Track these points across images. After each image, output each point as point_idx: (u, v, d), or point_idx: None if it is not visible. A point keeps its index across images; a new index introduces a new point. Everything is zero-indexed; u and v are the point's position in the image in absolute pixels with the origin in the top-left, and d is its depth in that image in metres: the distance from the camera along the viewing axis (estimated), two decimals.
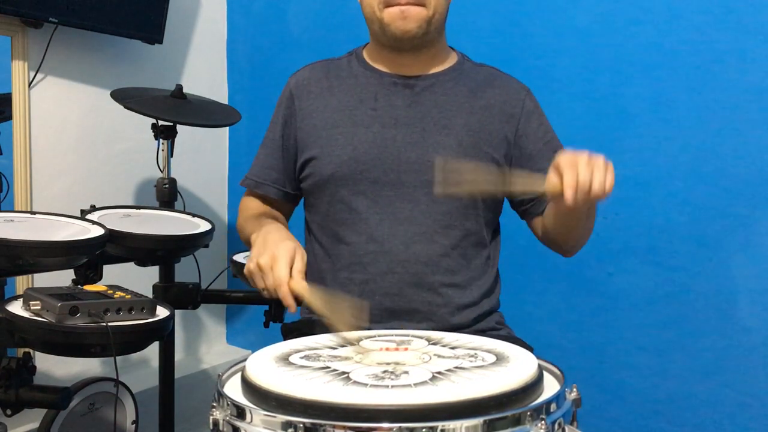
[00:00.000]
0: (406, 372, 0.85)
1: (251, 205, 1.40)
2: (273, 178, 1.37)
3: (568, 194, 0.98)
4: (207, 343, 2.73)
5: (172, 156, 2.04)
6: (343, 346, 1.00)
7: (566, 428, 0.82)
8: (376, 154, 1.25)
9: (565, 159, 1.00)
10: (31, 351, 1.41)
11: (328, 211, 1.29)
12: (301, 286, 1.06)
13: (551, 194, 1.02)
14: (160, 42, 2.28)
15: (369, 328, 1.18)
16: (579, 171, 0.98)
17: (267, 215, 1.35)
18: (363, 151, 1.26)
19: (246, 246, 1.34)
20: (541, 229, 1.34)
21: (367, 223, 1.26)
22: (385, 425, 0.73)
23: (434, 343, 1.00)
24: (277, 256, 1.07)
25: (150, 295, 1.75)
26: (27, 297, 1.21)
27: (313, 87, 1.33)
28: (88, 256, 1.40)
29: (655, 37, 1.78)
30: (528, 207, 1.34)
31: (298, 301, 1.08)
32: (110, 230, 1.45)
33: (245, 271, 1.12)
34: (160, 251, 1.66)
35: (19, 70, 2.03)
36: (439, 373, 0.84)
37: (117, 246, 1.52)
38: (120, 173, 2.33)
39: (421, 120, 1.27)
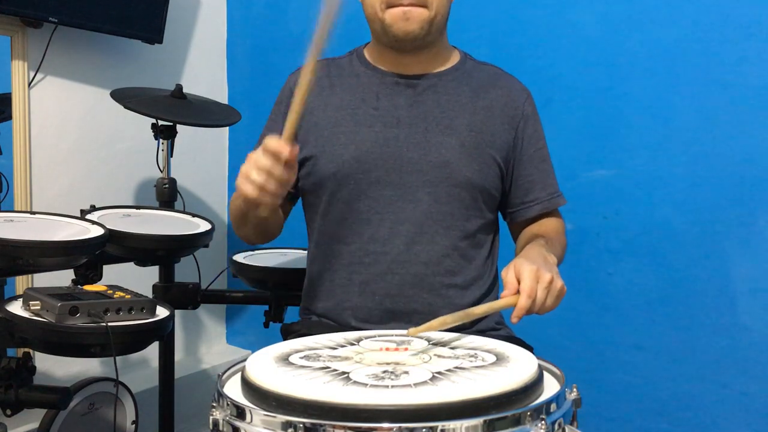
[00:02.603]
0: (406, 372, 0.85)
1: None
2: None
3: (514, 320, 1.03)
4: (207, 343, 2.73)
5: (172, 156, 2.04)
6: (343, 346, 1.00)
7: (566, 428, 0.82)
8: (378, 153, 1.25)
9: (526, 280, 1.04)
10: (31, 351, 1.41)
11: (328, 211, 1.29)
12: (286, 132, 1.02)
13: (502, 308, 1.08)
14: (160, 42, 2.28)
15: (369, 329, 1.18)
16: (536, 298, 1.03)
17: None
18: (365, 150, 1.25)
19: (238, 222, 1.31)
20: (516, 241, 1.38)
21: (368, 223, 1.26)
22: (385, 425, 0.73)
23: (434, 343, 1.00)
24: (249, 156, 1.05)
25: (150, 295, 1.75)
26: (27, 297, 1.21)
27: (314, 85, 1.33)
28: (88, 256, 1.40)
29: (654, 37, 1.78)
30: (514, 211, 1.36)
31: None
32: (110, 230, 1.44)
33: (236, 180, 1.06)
34: (160, 251, 1.65)
35: (18, 69, 2.03)
36: (439, 373, 0.84)
37: (117, 246, 1.52)
38: (120, 173, 2.33)
39: (424, 120, 1.27)
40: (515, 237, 1.39)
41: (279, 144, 1.02)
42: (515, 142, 1.32)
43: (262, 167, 1.02)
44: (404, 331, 1.09)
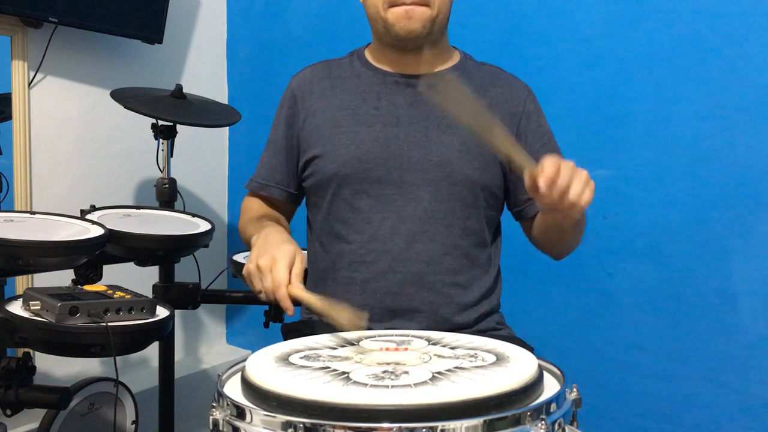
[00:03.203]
0: (406, 372, 0.85)
1: (253, 206, 1.40)
2: (277, 179, 1.37)
3: (542, 184, 0.96)
4: (207, 343, 2.73)
5: (172, 156, 2.04)
6: (343, 346, 1.00)
7: (566, 428, 0.82)
8: (379, 153, 1.25)
9: (551, 158, 0.99)
10: (31, 351, 1.41)
11: (330, 210, 1.29)
12: (299, 289, 1.06)
13: (529, 178, 1.00)
14: (160, 42, 2.28)
15: (369, 328, 1.18)
16: (561, 171, 0.98)
17: (268, 217, 1.35)
18: (366, 150, 1.26)
19: (247, 247, 1.34)
20: (531, 233, 1.35)
21: (369, 222, 1.26)
22: (385, 425, 0.73)
23: (434, 343, 1.00)
24: (276, 259, 1.07)
25: (150, 295, 1.75)
26: (27, 297, 1.21)
27: (315, 87, 1.33)
28: (88, 256, 1.40)
29: (655, 37, 1.78)
30: (522, 208, 1.35)
31: (296, 303, 1.07)
32: (110, 230, 1.44)
33: (244, 271, 1.12)
34: (160, 251, 1.65)
35: (18, 69, 2.03)
36: (439, 373, 0.84)
37: (117, 246, 1.52)
38: (120, 173, 2.33)
39: (424, 119, 1.27)
40: (528, 232, 1.37)
41: (288, 305, 1.05)
42: (518, 139, 1.31)
43: (267, 290, 1.07)
44: (404, 331, 1.09)
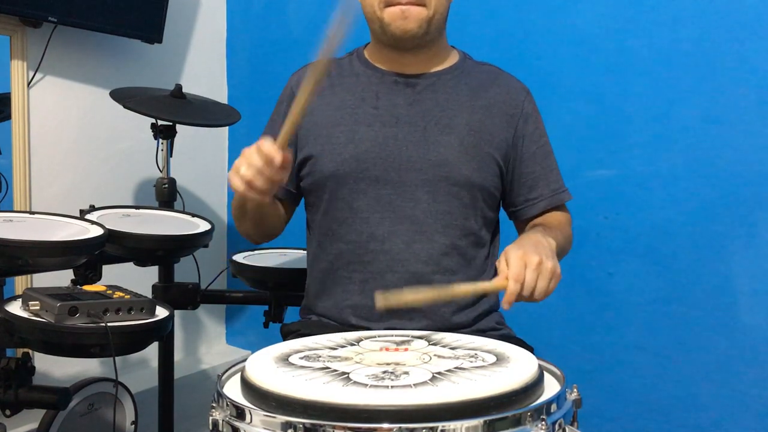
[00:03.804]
0: (406, 372, 0.85)
1: None
2: None
3: (505, 305, 1.02)
4: (207, 344, 2.73)
5: (171, 156, 2.04)
6: (343, 346, 1.00)
7: (567, 429, 0.82)
8: (377, 152, 1.25)
9: (514, 264, 1.03)
10: (30, 351, 1.41)
11: (328, 210, 1.29)
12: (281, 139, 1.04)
13: (494, 291, 1.09)
14: (160, 41, 2.28)
15: (369, 328, 1.18)
16: (525, 280, 1.02)
17: None
18: (364, 149, 1.25)
19: (239, 219, 1.32)
20: None
21: (367, 222, 1.26)
22: (385, 426, 0.73)
23: (434, 344, 1.00)
24: (250, 148, 1.06)
25: (149, 295, 1.75)
26: (26, 297, 1.21)
27: (316, 91, 1.33)
28: (88, 256, 1.40)
29: (655, 37, 1.78)
30: (518, 209, 1.35)
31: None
32: (109, 230, 1.44)
33: (229, 175, 1.08)
34: (159, 251, 1.65)
35: (18, 69, 2.03)
36: (439, 373, 0.84)
37: (116, 246, 1.52)
38: (119, 173, 2.33)
39: (423, 119, 1.27)
40: (521, 233, 1.37)
41: (272, 149, 1.03)
42: (515, 140, 1.31)
43: (253, 164, 1.04)
44: (404, 331, 1.09)
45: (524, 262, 1.03)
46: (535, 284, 1.03)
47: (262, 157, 1.03)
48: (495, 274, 1.36)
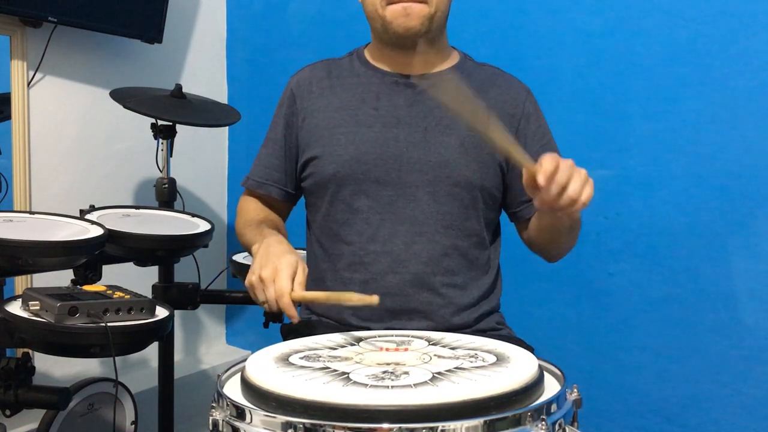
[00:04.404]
0: (406, 372, 0.85)
1: (251, 207, 1.40)
2: (275, 178, 1.37)
3: (541, 180, 0.96)
4: (207, 344, 2.73)
5: (171, 156, 2.04)
6: (343, 346, 1.00)
7: (567, 429, 0.82)
8: (378, 153, 1.25)
9: (550, 155, 0.99)
10: (30, 351, 1.41)
11: (329, 211, 1.29)
12: (301, 296, 1.06)
13: (527, 175, 0.99)
14: (160, 41, 2.28)
15: (369, 328, 1.18)
16: (560, 167, 0.97)
17: (268, 223, 1.33)
18: (365, 150, 1.25)
19: (245, 249, 1.34)
20: (526, 235, 1.35)
21: (368, 223, 1.26)
22: (385, 426, 0.73)
23: (434, 344, 1.00)
24: (279, 269, 1.07)
25: (149, 295, 1.75)
26: (26, 297, 1.21)
27: (314, 87, 1.33)
28: (88, 256, 1.40)
29: (655, 37, 1.78)
30: (519, 210, 1.35)
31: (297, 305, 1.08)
32: (109, 230, 1.44)
33: (246, 283, 1.12)
34: (159, 251, 1.65)
35: (18, 69, 2.03)
36: (439, 373, 0.84)
37: (116, 246, 1.52)
38: (119, 173, 2.33)
39: (423, 119, 1.27)
40: (522, 234, 1.37)
41: (293, 312, 1.06)
42: (517, 141, 1.31)
43: (270, 300, 1.06)
44: (404, 332, 1.09)
45: (559, 159, 0.98)
46: (570, 178, 0.97)
47: (279, 306, 1.06)
48: (497, 276, 1.36)
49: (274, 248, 1.13)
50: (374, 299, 1.03)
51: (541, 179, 0.96)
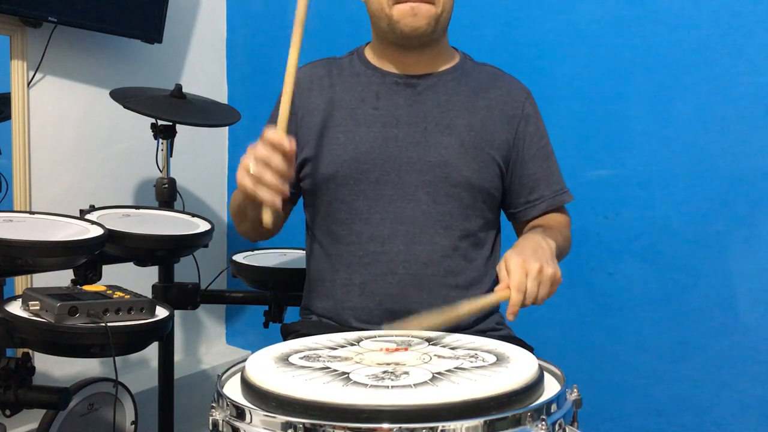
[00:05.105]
0: (406, 372, 0.85)
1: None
2: None
3: (510, 317, 1.04)
4: (206, 344, 2.73)
5: (171, 156, 2.04)
6: (343, 346, 1.00)
7: (567, 429, 0.82)
8: (378, 153, 1.25)
9: (515, 274, 1.04)
10: (30, 351, 1.41)
11: (328, 211, 1.29)
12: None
13: (496, 303, 1.09)
14: (160, 41, 2.28)
15: (369, 329, 1.18)
16: (527, 289, 1.04)
17: None
18: (364, 150, 1.25)
19: (237, 217, 1.31)
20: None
21: (367, 223, 1.25)
22: (386, 426, 0.73)
23: (434, 344, 1.00)
24: (254, 145, 1.05)
25: (149, 295, 1.75)
26: (26, 297, 1.21)
27: (314, 85, 1.33)
28: (87, 256, 1.40)
29: (655, 37, 1.78)
30: (518, 211, 1.35)
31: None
32: (109, 230, 1.44)
33: (237, 175, 1.08)
34: (159, 251, 1.65)
35: (18, 69, 2.03)
36: (439, 373, 0.84)
37: (116, 246, 1.52)
38: (119, 173, 2.33)
39: (423, 119, 1.27)
40: (520, 235, 1.37)
41: (278, 135, 1.03)
42: (516, 141, 1.31)
43: (261, 158, 1.04)
44: (405, 332, 1.09)
45: (525, 271, 1.04)
46: (537, 292, 1.05)
47: (268, 147, 1.03)
48: (496, 276, 1.36)
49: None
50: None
51: (510, 318, 1.04)
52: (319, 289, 1.31)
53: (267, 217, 1.07)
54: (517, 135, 1.31)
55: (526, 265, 1.04)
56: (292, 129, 1.34)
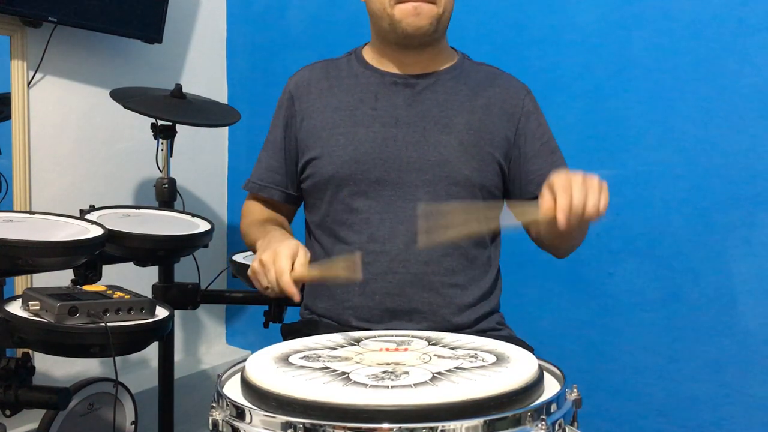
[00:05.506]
0: (406, 372, 0.85)
1: (254, 209, 1.40)
2: (276, 180, 1.37)
3: (561, 218, 0.96)
4: (206, 344, 2.73)
5: (171, 156, 2.04)
6: (343, 346, 1.00)
7: (567, 429, 0.82)
8: (377, 153, 1.25)
9: (558, 181, 0.98)
10: (30, 351, 1.41)
11: (328, 212, 1.29)
12: (300, 274, 1.06)
13: (545, 219, 1.00)
14: (160, 41, 2.28)
15: (369, 329, 1.18)
16: (573, 194, 0.96)
17: (271, 221, 1.34)
18: (364, 151, 1.25)
19: (251, 251, 1.34)
20: (534, 234, 1.34)
21: (367, 223, 1.25)
22: (385, 426, 0.73)
23: (434, 344, 1.00)
24: (278, 252, 1.07)
25: (149, 295, 1.75)
26: (26, 297, 1.21)
27: (312, 87, 1.33)
28: (88, 256, 1.40)
29: (655, 37, 1.78)
30: None
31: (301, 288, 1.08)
32: (109, 230, 1.44)
33: (249, 272, 1.12)
34: (159, 251, 1.65)
35: (18, 69, 2.03)
36: (439, 373, 0.84)
37: (116, 246, 1.52)
38: (119, 173, 2.33)
39: (422, 119, 1.27)
40: (530, 231, 1.34)
41: (292, 289, 1.04)
42: (517, 139, 1.31)
43: (271, 281, 1.06)
44: (405, 331, 1.09)
45: (569, 180, 0.98)
46: (585, 197, 0.97)
47: (279, 286, 1.06)
48: (497, 275, 1.36)
49: (275, 237, 1.16)
50: (357, 260, 1.05)
51: (561, 219, 0.96)
52: (320, 289, 1.31)
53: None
54: (518, 132, 1.31)
55: (568, 176, 0.98)
56: (292, 134, 1.34)
